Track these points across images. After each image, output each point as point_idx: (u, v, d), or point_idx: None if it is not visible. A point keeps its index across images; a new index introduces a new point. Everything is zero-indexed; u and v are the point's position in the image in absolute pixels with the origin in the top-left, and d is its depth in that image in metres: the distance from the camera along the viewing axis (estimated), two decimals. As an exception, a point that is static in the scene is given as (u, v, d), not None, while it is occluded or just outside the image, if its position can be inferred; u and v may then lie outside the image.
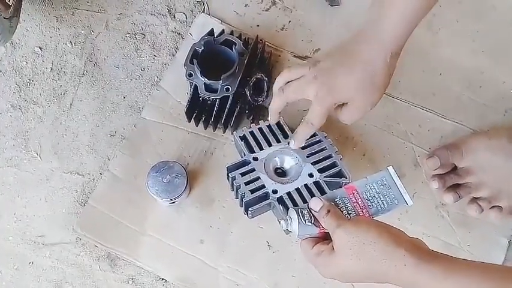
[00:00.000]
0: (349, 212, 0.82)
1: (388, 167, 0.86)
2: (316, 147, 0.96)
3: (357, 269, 0.74)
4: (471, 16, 1.11)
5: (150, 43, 1.13)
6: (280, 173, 0.97)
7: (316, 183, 0.94)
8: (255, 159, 0.96)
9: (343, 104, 0.88)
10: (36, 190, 1.05)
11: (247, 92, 1.02)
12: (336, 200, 0.83)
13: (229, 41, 1.03)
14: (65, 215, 1.03)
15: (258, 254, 1.00)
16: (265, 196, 0.93)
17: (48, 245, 1.02)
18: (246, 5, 1.13)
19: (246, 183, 0.94)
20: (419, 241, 0.75)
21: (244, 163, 0.96)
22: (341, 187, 0.86)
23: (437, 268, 0.71)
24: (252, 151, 0.97)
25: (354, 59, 0.85)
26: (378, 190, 0.84)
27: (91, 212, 1.02)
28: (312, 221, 0.80)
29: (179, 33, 1.13)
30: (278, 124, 0.98)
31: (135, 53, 1.12)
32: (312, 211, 0.80)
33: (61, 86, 1.10)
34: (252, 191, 0.93)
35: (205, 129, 1.05)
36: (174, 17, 1.14)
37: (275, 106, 0.92)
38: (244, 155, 0.97)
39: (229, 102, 1.00)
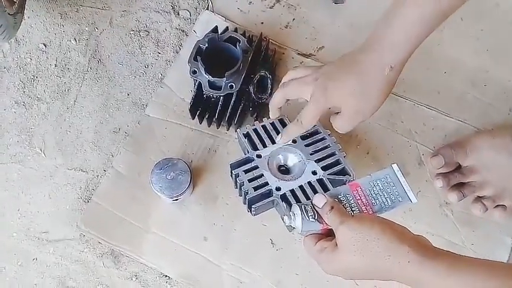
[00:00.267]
0: (353, 208, 0.82)
1: (392, 165, 0.86)
2: (320, 145, 0.96)
3: (360, 265, 0.74)
4: (475, 15, 1.11)
5: (154, 40, 1.13)
6: (284, 170, 0.97)
7: (320, 181, 0.94)
8: (259, 156, 0.96)
9: (338, 113, 0.89)
10: (40, 187, 1.05)
11: (251, 90, 1.02)
12: (339, 196, 0.83)
13: (233, 38, 1.03)
14: (68, 211, 1.03)
15: (262, 252, 1.00)
16: (269, 193, 0.93)
17: (52, 241, 1.02)
18: (250, 2, 1.13)
19: (250, 181, 0.93)
20: (423, 238, 0.75)
21: (248, 160, 0.96)
22: (345, 184, 0.86)
23: (441, 265, 0.71)
24: (255, 148, 0.97)
25: (352, 67, 0.86)
26: (381, 187, 0.84)
27: (95, 209, 1.02)
28: (316, 217, 0.80)
29: (183, 31, 1.13)
30: (281, 122, 0.98)
31: (139, 50, 1.12)
32: (316, 207, 0.80)
33: (65, 82, 1.11)
34: (256, 188, 0.93)
35: (209, 126, 1.05)
36: (178, 14, 1.14)
37: (274, 101, 0.94)
38: (248, 152, 0.97)
39: (233, 99, 1.00)
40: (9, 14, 0.99)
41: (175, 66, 1.09)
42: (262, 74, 1.02)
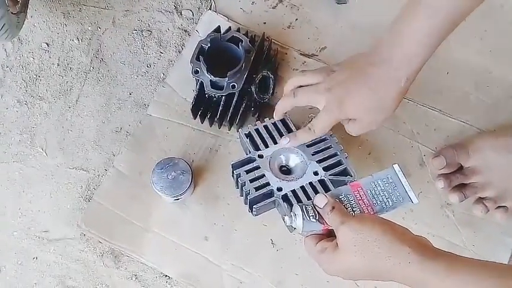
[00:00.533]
0: (354, 209, 0.82)
1: (393, 165, 0.85)
2: (321, 146, 0.96)
3: (361, 266, 0.74)
4: (479, 15, 1.10)
5: (156, 40, 1.13)
6: (285, 170, 0.97)
7: (321, 181, 0.93)
8: (260, 156, 0.96)
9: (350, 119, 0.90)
10: (41, 186, 1.05)
11: (253, 90, 1.02)
12: (340, 197, 0.82)
13: (235, 38, 1.03)
14: (69, 210, 1.03)
15: (262, 252, 1.00)
16: (270, 194, 0.93)
17: (53, 240, 1.02)
18: (253, 2, 1.13)
19: (251, 181, 0.93)
20: (424, 239, 0.75)
21: (249, 160, 0.96)
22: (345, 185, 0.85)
23: (441, 266, 0.70)
24: (257, 148, 0.96)
25: (368, 81, 0.86)
26: (383, 188, 0.84)
27: (95, 208, 1.02)
28: (317, 218, 0.79)
29: (186, 30, 1.13)
30: (283, 121, 0.98)
31: (141, 49, 1.12)
32: (317, 207, 0.80)
33: (67, 82, 1.11)
34: (257, 189, 0.93)
35: (210, 126, 1.05)
36: (181, 14, 1.14)
37: (283, 106, 0.94)
38: (250, 152, 0.96)
39: (235, 99, 1.00)
40: (12, 13, 0.99)
41: (178, 66, 1.09)
42: (265, 74, 1.02)
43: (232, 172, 0.96)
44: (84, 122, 1.08)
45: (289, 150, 0.96)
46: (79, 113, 1.09)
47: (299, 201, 0.91)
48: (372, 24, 1.11)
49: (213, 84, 0.99)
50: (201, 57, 0.99)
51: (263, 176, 0.94)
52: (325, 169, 0.94)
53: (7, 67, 1.11)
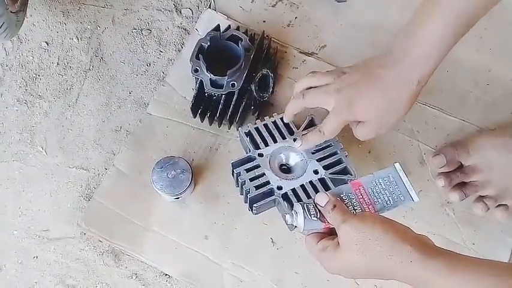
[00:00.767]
0: (355, 207, 0.82)
1: (395, 164, 0.85)
2: (321, 144, 0.96)
3: (362, 264, 0.74)
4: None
5: (156, 38, 1.12)
6: (285, 169, 0.97)
7: (322, 180, 0.93)
8: (260, 155, 0.96)
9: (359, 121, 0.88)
10: (41, 185, 1.05)
11: (253, 88, 1.02)
12: (341, 195, 0.82)
13: (235, 37, 1.03)
14: (69, 209, 1.03)
15: (262, 251, 1.00)
16: (270, 192, 0.93)
17: (53, 239, 1.02)
18: (253, 0, 1.13)
19: (251, 180, 0.93)
20: (426, 238, 0.75)
21: (249, 159, 0.96)
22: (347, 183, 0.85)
23: (443, 264, 0.70)
24: (257, 147, 0.96)
25: (377, 82, 0.84)
26: (384, 186, 0.84)
27: (96, 207, 1.01)
28: (318, 216, 0.79)
29: (185, 29, 1.13)
30: (283, 120, 0.98)
31: (141, 48, 1.12)
32: (318, 206, 0.80)
33: (67, 81, 1.10)
34: (257, 187, 0.93)
35: (210, 125, 1.05)
36: (181, 12, 1.14)
37: (292, 108, 0.93)
38: (250, 151, 0.96)
39: (234, 98, 1.00)
40: (11, 12, 0.99)
41: (177, 65, 1.09)
42: (264, 72, 1.02)
43: (232, 171, 0.96)
44: (84, 121, 1.08)
45: (289, 149, 0.96)
46: (79, 112, 1.09)
47: (299, 200, 0.91)
48: (371, 22, 1.11)
49: (213, 83, 0.99)
50: (200, 56, 0.99)
51: (263, 174, 0.94)
52: (325, 168, 0.94)
53: (7, 66, 1.11)
